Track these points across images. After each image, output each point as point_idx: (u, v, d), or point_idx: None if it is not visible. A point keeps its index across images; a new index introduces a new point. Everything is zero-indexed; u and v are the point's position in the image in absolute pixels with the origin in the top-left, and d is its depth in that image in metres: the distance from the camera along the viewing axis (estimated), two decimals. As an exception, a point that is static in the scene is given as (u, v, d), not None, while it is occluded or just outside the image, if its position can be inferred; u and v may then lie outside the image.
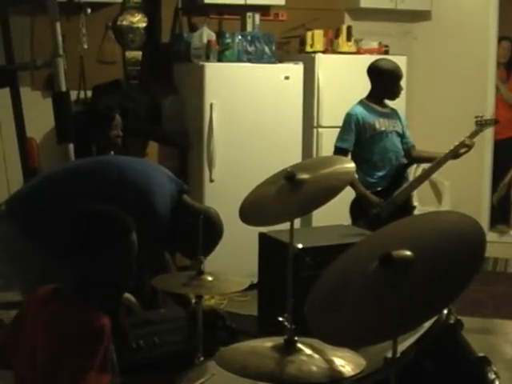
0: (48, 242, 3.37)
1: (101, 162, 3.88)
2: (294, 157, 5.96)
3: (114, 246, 2.67)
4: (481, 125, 5.26)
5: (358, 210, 5.25)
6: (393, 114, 5.42)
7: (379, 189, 5.26)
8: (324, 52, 6.71)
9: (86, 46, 6.16)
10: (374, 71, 5.34)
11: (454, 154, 5.21)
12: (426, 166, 5.53)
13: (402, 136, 5.41)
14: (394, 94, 5.34)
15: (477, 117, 5.30)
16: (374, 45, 6.97)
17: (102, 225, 2.69)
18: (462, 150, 5.20)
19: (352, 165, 3.19)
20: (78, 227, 2.68)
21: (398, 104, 5.49)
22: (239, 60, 6.38)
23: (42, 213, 3.50)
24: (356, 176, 5.01)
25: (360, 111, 5.29)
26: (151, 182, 3.58)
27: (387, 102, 5.41)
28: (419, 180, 5.43)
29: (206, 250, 3.48)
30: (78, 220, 2.70)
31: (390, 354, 2.11)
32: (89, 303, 2.57)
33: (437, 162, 5.27)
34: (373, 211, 5.18)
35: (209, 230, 3.54)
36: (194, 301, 3.55)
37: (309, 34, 6.72)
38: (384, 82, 5.30)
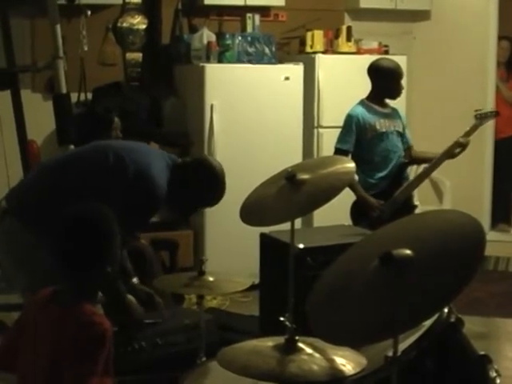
0: (47, 236, 3.33)
1: (96, 147, 3.78)
2: (294, 157, 5.94)
3: (100, 239, 2.63)
4: (480, 118, 5.20)
5: (359, 212, 5.20)
6: (394, 114, 5.38)
7: (379, 190, 5.23)
8: (324, 52, 6.71)
9: (86, 48, 6.16)
10: (374, 70, 5.32)
11: (450, 153, 5.18)
12: (427, 164, 5.51)
13: (402, 135, 5.40)
14: (395, 93, 5.30)
15: (476, 110, 5.26)
16: (374, 45, 6.97)
17: (86, 224, 2.65)
18: (457, 150, 5.17)
19: (352, 165, 3.19)
20: (62, 234, 2.66)
21: (398, 103, 5.48)
22: (239, 61, 6.37)
23: (38, 205, 3.45)
24: (356, 177, 4.99)
25: (361, 112, 5.26)
26: (149, 161, 3.54)
27: (388, 101, 5.39)
28: (418, 179, 5.39)
29: (214, 200, 3.79)
30: (61, 227, 2.68)
31: (390, 353, 2.11)
32: (88, 300, 2.58)
33: (432, 164, 5.25)
34: (373, 214, 5.14)
35: (212, 179, 3.76)
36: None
37: (309, 34, 6.71)
38: (384, 81, 5.27)
